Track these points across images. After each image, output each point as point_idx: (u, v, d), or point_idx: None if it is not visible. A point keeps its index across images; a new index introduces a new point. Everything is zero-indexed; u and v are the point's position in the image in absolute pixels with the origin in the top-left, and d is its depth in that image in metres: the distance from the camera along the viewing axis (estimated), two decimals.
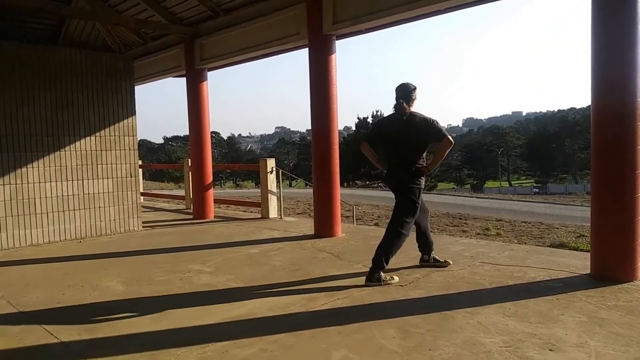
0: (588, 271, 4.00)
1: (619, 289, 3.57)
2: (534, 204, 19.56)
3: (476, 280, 3.93)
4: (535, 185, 63.75)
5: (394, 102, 3.98)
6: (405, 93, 3.98)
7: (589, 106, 3.97)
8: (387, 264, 3.93)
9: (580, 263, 4.31)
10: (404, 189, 3.98)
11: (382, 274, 3.89)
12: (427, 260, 4.40)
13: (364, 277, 3.97)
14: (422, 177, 4.01)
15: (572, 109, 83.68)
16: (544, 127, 79.89)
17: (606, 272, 3.82)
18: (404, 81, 4.11)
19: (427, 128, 3.90)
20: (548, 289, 3.64)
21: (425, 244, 4.39)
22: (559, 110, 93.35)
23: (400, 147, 3.99)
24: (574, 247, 6.62)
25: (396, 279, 3.93)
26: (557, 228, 9.61)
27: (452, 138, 3.92)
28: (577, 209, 16.36)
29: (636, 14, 3.65)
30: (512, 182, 73.34)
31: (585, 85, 3.99)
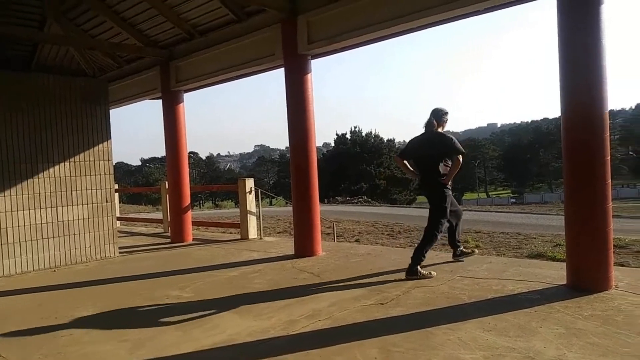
0: (564, 281, 4.08)
1: (594, 299, 3.64)
2: (512, 214, 19.83)
3: (456, 295, 3.96)
4: (512, 195, 64.88)
5: (426, 120, 4.73)
6: (437, 115, 4.74)
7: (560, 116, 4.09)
8: (424, 258, 4.52)
9: (556, 274, 4.39)
10: (434, 195, 4.66)
11: (419, 268, 4.44)
12: (458, 255, 5.17)
13: (345, 297, 4.04)
14: (448, 186, 4.61)
15: (545, 119, 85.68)
16: (518, 138, 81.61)
17: (581, 282, 3.90)
18: (438, 105, 4.96)
19: (448, 145, 4.59)
20: (526, 301, 3.69)
21: (453, 242, 5.19)
22: (532, 121, 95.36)
23: (428, 160, 4.69)
24: (551, 257, 6.71)
25: (434, 273, 4.48)
26: (534, 238, 9.73)
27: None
28: (553, 218, 16.65)
29: (600, 27, 3.80)
30: (490, 193, 74.47)
31: (556, 95, 4.15)
